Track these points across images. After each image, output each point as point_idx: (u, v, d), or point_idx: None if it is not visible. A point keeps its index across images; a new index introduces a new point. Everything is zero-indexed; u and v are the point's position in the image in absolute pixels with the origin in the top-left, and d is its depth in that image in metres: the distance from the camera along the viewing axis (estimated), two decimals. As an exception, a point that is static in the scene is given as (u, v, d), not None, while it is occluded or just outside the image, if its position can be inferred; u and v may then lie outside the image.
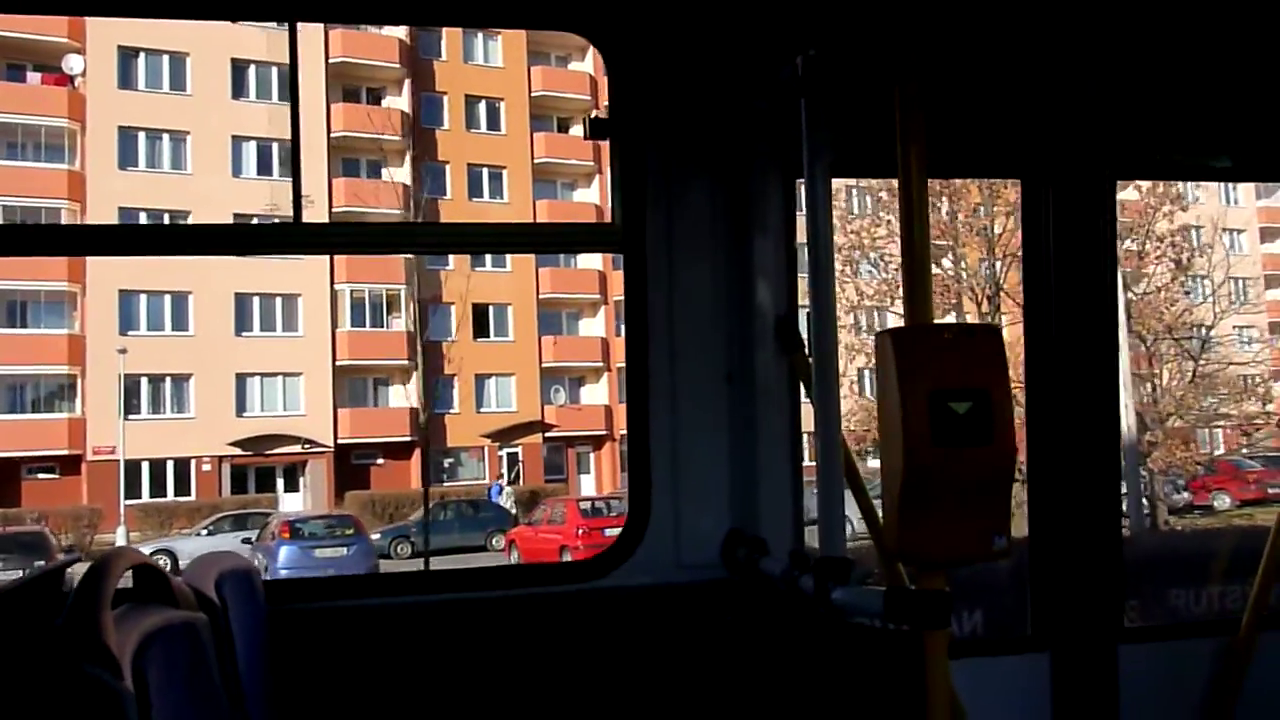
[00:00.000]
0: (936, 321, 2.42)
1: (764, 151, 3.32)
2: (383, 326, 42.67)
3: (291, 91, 4.11)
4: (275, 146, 41.21)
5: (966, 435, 2.25)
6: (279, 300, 40.80)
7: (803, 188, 2.72)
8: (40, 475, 38.62)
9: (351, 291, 42.14)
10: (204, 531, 32.52)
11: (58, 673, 1.56)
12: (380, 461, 42.29)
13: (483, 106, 45.60)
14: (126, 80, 39.82)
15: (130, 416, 38.47)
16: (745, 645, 3.18)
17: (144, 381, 38.94)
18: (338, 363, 41.72)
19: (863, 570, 2.68)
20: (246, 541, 29.54)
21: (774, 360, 3.32)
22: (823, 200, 2.62)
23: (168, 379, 39.28)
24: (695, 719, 3.16)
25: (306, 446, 40.12)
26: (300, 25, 3.99)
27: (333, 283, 41.56)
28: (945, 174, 3.51)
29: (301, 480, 41.25)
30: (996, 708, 3.37)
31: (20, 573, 22.36)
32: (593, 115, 3.46)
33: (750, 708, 3.14)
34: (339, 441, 41.44)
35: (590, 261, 45.65)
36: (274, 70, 41.42)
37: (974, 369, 2.29)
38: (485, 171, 44.83)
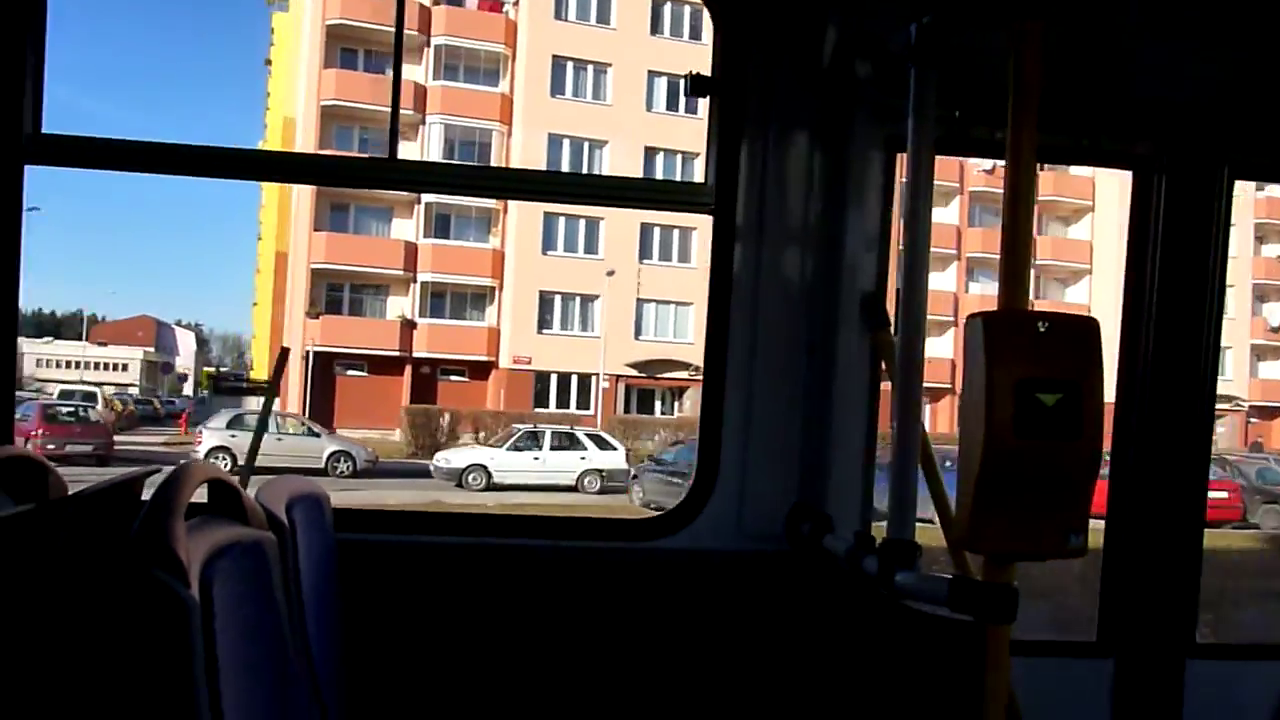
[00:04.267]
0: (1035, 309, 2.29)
1: (867, 122, 3.23)
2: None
3: (397, 23, 3.95)
4: (684, 83, 42.55)
5: (1052, 428, 2.15)
6: (676, 233, 42.53)
7: (903, 161, 2.61)
8: (452, 378, 41.91)
9: (742, 228, 43.44)
10: (691, 446, 34.02)
11: (129, 577, 1.57)
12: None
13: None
14: (560, 10, 41.84)
15: (543, 330, 41.22)
16: (801, 620, 3.14)
17: (557, 299, 41.53)
18: (725, 296, 43.27)
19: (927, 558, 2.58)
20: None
21: (857, 336, 3.25)
22: (925, 176, 2.52)
23: (577, 298, 41.72)
24: (743, 688, 3.14)
25: (693, 373, 42.05)
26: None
27: (725, 218, 42.97)
28: (1054, 159, 3.51)
29: (677, 405, 43.30)
30: (1054, 711, 3.26)
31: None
32: (694, 72, 3.30)
33: (800, 683, 3.11)
34: (719, 372, 43.19)
35: (942, 216, 45.66)
36: (686, 9, 42.66)
37: (1066, 360, 2.17)
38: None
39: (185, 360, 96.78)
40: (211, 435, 29.10)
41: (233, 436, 29.04)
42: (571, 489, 28.37)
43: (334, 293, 41.40)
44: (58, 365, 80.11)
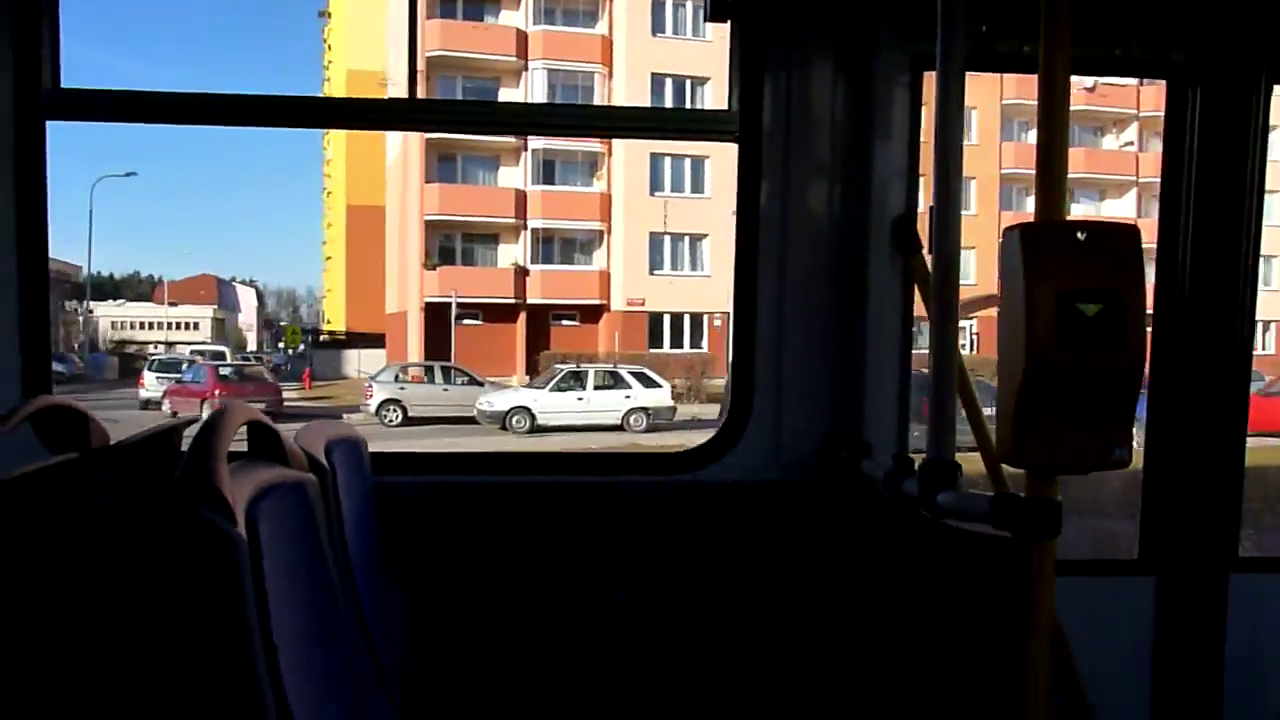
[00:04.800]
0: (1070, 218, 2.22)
1: (892, 42, 3.17)
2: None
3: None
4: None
5: (1094, 339, 2.10)
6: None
7: (933, 80, 2.53)
8: (564, 322, 42.47)
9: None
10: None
11: (175, 518, 1.55)
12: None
13: None
14: (655, -54, 41.55)
15: (654, 272, 41.54)
16: (841, 545, 3.15)
17: (667, 240, 41.79)
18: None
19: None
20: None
21: (888, 261, 3.20)
22: (955, 94, 2.44)
23: (687, 238, 41.98)
24: (787, 614, 3.17)
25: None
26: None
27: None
28: (1087, 71, 3.38)
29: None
30: (1097, 628, 3.24)
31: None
32: None
33: (844, 607, 3.13)
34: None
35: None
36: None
37: (1106, 270, 2.12)
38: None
39: (247, 316, 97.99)
40: (381, 389, 29.68)
41: (401, 389, 29.74)
42: (617, 428, 27.77)
43: (445, 243, 41.89)
44: (133, 326, 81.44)
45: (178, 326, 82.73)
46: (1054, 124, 2.21)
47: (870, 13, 3.15)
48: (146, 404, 30.47)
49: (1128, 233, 2.17)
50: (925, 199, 2.76)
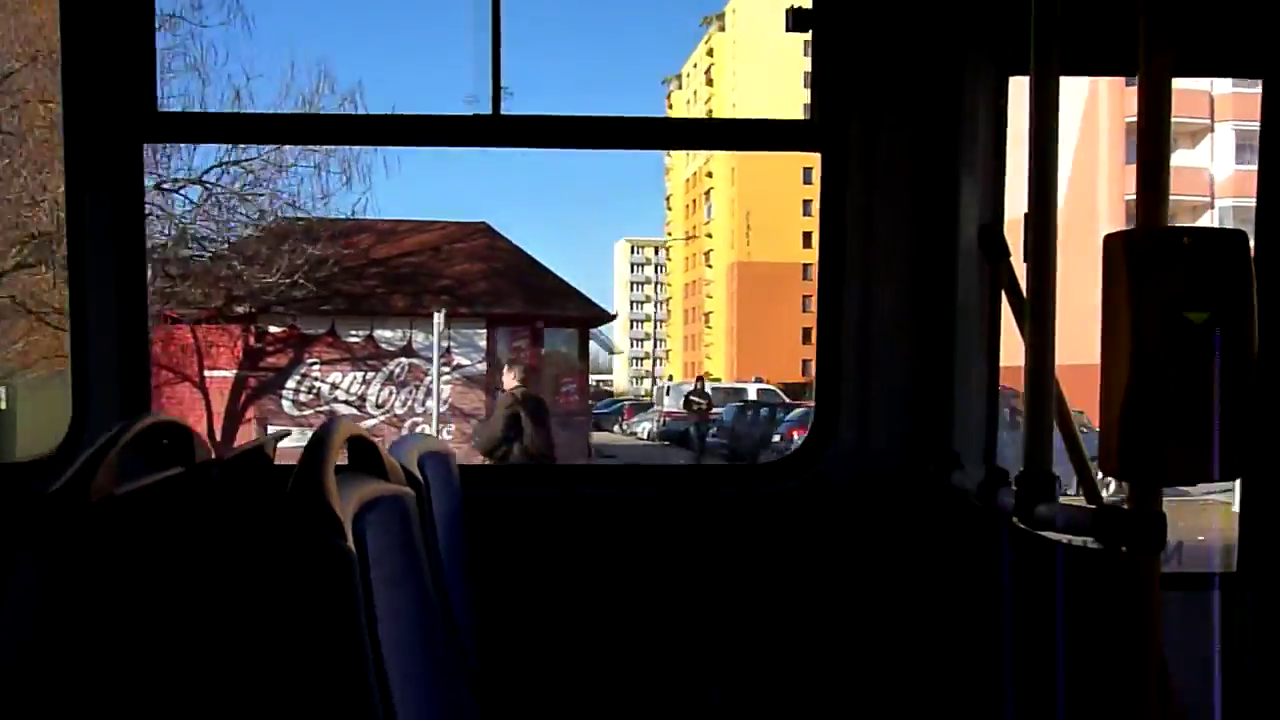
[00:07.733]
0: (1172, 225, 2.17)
1: (978, 47, 3.14)
2: None
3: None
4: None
5: (1201, 348, 2.04)
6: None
7: (1025, 85, 2.50)
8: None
9: None
10: None
11: (288, 530, 1.62)
12: None
13: None
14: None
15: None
16: (931, 557, 3.09)
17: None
18: None
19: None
20: None
21: (976, 269, 3.17)
22: (1050, 97, 2.42)
23: None
24: (877, 628, 3.17)
25: None
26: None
27: None
28: (1186, 72, 2.95)
29: None
30: (1190, 644, 3.03)
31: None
32: (793, 6, 3.22)
33: (934, 620, 3.09)
34: None
35: None
36: None
37: (1215, 276, 2.05)
38: None
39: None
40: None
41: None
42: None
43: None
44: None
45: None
46: (1155, 129, 2.15)
47: (955, 19, 3.17)
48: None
49: (1235, 238, 2.11)
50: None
